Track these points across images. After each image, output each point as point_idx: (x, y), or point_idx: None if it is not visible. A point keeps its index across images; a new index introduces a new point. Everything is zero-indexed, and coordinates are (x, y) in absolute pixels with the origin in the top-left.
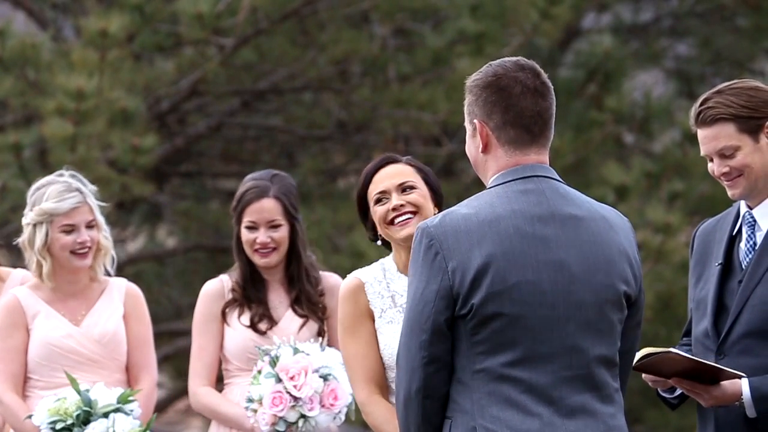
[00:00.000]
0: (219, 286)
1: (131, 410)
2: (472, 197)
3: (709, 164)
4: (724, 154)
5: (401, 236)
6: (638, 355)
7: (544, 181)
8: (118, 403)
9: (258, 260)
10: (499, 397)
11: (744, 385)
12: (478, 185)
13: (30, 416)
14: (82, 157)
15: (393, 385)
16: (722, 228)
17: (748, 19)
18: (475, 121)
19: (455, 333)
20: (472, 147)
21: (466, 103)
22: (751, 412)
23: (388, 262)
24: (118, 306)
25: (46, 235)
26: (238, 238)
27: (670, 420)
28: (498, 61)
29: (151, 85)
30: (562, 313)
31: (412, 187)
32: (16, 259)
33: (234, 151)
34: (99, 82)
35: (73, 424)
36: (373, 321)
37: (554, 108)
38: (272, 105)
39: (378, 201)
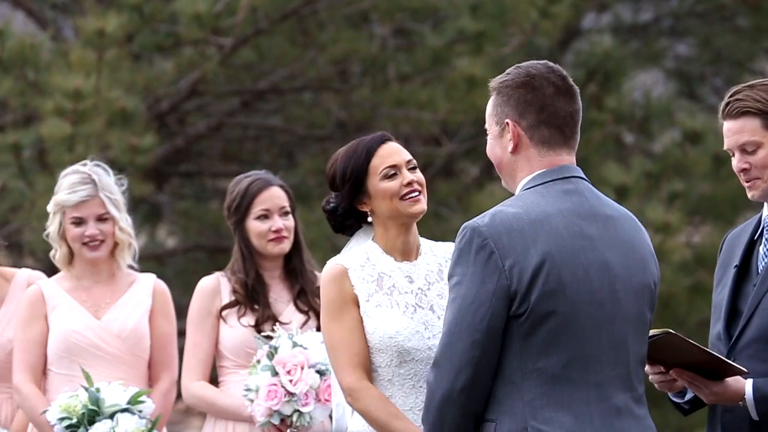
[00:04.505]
0: (215, 283)
1: (140, 410)
2: (514, 198)
3: (733, 160)
4: (746, 150)
5: (413, 211)
6: None
7: (580, 182)
8: (128, 403)
9: (272, 249)
10: (551, 398)
11: (747, 385)
12: (478, 185)
13: (45, 411)
14: (80, 157)
15: (379, 370)
16: (746, 232)
17: (748, 19)
18: (507, 120)
19: (506, 333)
20: (497, 147)
21: (491, 104)
22: (753, 414)
23: (370, 245)
24: (143, 301)
25: (60, 224)
26: (242, 236)
27: (671, 420)
28: (526, 63)
29: (150, 85)
30: (609, 312)
31: (416, 166)
32: (17, 258)
33: (234, 151)
34: (97, 82)
35: (78, 423)
36: (358, 306)
37: (581, 110)
38: (272, 105)
39: (386, 176)
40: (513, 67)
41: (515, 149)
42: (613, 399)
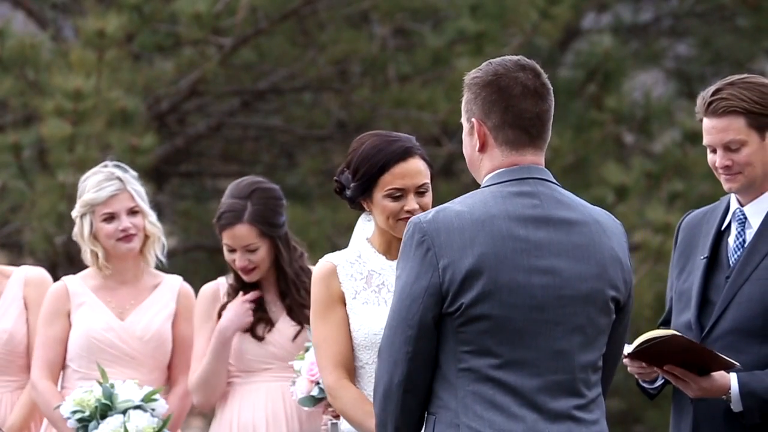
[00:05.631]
0: (214, 288)
1: (153, 408)
2: (467, 195)
3: (710, 155)
4: (730, 148)
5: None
6: (639, 339)
7: (539, 184)
8: (141, 401)
9: (243, 277)
10: (483, 398)
11: (733, 380)
12: (478, 185)
13: (59, 406)
14: (80, 158)
15: (367, 367)
16: (709, 222)
17: (748, 19)
18: (473, 119)
19: (441, 330)
20: (468, 145)
21: (463, 99)
22: (737, 407)
23: (364, 243)
24: (168, 304)
25: (91, 224)
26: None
27: (670, 420)
28: (498, 59)
29: (150, 85)
30: (551, 318)
31: (426, 190)
32: (16, 258)
33: (234, 151)
34: (97, 83)
35: (91, 416)
36: (345, 305)
37: (553, 109)
38: (272, 105)
39: (391, 196)
40: (486, 62)
41: (482, 148)
42: (551, 404)
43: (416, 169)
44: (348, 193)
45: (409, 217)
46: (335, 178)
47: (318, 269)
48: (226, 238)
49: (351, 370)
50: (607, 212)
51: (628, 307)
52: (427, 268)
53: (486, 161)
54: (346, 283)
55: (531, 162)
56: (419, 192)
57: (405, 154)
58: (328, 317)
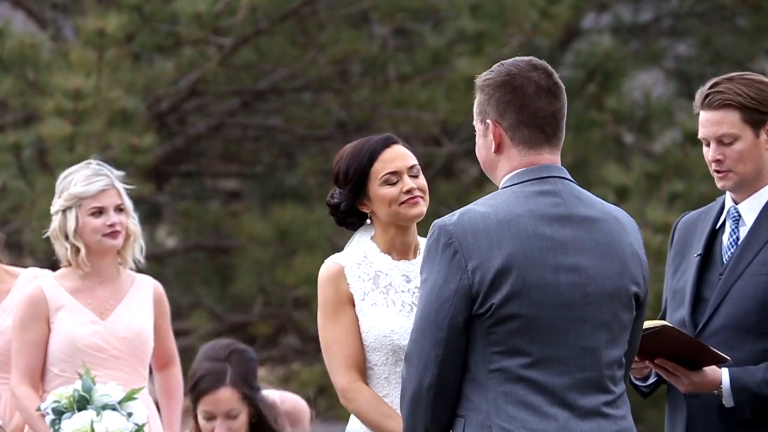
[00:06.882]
0: None
1: (130, 413)
2: (488, 196)
3: (705, 148)
4: (723, 141)
5: (411, 214)
6: None
7: (559, 182)
8: (119, 403)
9: None
10: (514, 398)
11: (724, 375)
12: (478, 185)
13: (39, 408)
14: (80, 157)
15: (376, 368)
16: (704, 221)
17: (748, 19)
18: (488, 120)
19: (470, 332)
20: (482, 147)
21: (476, 102)
22: (728, 402)
23: (368, 243)
24: (147, 302)
25: (77, 218)
26: (196, 418)
27: (665, 417)
28: (510, 60)
29: (150, 85)
30: (578, 315)
31: (418, 172)
32: (17, 258)
33: (234, 151)
34: (97, 82)
35: (68, 408)
36: (354, 306)
37: (566, 108)
38: (272, 105)
39: (387, 182)
40: (497, 63)
41: (498, 149)
42: (581, 401)
43: (403, 152)
44: (343, 205)
45: (410, 198)
46: (328, 202)
47: (325, 270)
48: (207, 405)
49: (363, 371)
50: (621, 209)
51: (645, 302)
52: (455, 271)
53: (503, 162)
54: (354, 284)
55: (548, 161)
56: (412, 175)
57: (387, 141)
58: (338, 319)
